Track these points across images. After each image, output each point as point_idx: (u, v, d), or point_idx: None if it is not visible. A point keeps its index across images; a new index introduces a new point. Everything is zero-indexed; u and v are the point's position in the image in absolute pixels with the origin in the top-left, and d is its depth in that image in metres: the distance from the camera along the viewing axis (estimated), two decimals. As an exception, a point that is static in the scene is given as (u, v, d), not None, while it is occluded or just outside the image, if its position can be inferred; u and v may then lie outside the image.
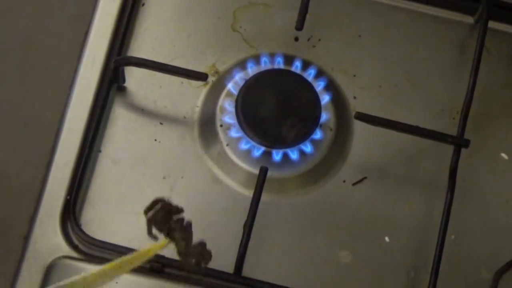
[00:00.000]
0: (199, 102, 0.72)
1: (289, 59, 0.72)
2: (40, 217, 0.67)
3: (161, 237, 0.56)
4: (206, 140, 0.70)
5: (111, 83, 0.71)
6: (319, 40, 0.74)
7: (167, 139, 0.71)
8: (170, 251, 0.66)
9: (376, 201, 0.70)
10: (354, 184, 0.70)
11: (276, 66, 0.71)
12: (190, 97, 0.72)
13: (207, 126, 0.71)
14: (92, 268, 0.53)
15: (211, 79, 0.72)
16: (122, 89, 0.72)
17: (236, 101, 0.69)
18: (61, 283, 0.52)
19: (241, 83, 0.70)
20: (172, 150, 0.70)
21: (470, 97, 0.70)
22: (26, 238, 0.67)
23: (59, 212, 0.67)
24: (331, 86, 0.71)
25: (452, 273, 0.68)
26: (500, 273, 0.67)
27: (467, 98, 0.70)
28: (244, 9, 0.75)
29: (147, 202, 0.69)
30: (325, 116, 0.70)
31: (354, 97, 0.72)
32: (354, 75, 0.73)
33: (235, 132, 0.69)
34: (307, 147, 0.69)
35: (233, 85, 0.71)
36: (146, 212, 0.56)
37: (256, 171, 0.68)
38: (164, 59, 0.71)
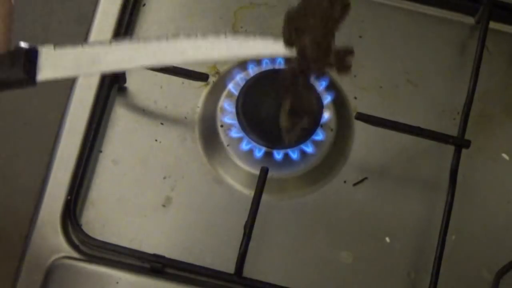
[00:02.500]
0: (200, 102, 0.72)
1: (290, 60, 0.72)
2: (41, 217, 0.67)
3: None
4: (207, 141, 0.70)
5: (112, 83, 0.71)
6: (320, 40, 0.74)
7: (168, 140, 0.71)
8: (170, 251, 0.67)
9: (377, 201, 0.70)
10: (355, 184, 0.70)
11: (277, 67, 0.71)
12: (190, 98, 0.72)
13: (207, 127, 0.71)
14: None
15: (211, 79, 0.72)
16: (123, 90, 0.72)
17: (237, 101, 0.69)
18: None
19: (242, 84, 0.70)
20: (173, 151, 0.70)
21: (470, 98, 0.70)
22: (26, 238, 0.67)
23: (59, 212, 0.67)
24: (332, 87, 0.71)
25: (453, 273, 0.68)
26: (501, 274, 0.67)
27: (468, 98, 0.70)
28: (245, 9, 0.75)
29: (147, 202, 0.69)
30: (326, 117, 0.70)
31: (355, 98, 0.72)
32: (355, 76, 0.73)
33: (236, 133, 0.69)
34: (308, 148, 0.69)
35: (233, 86, 0.71)
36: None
37: (256, 171, 0.68)
38: (165, 60, 0.70)
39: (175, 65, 0.54)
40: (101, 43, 0.51)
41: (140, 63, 0.51)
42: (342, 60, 0.50)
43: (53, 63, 0.50)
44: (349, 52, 0.51)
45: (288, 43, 0.50)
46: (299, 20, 0.49)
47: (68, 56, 0.50)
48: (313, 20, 0.49)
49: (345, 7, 0.50)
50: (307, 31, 0.49)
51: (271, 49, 0.52)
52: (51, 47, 0.50)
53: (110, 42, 0.51)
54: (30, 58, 0.49)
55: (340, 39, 0.74)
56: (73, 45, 0.51)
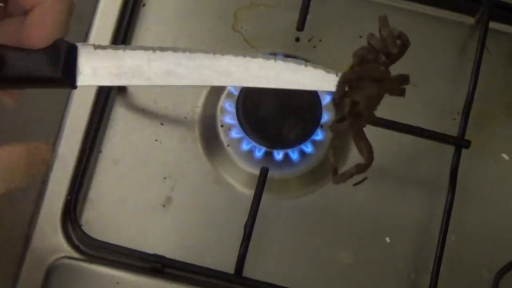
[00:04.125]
0: (200, 102, 0.72)
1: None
2: (41, 217, 0.67)
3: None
4: (207, 141, 0.70)
5: (112, 83, 0.71)
6: (320, 40, 0.74)
7: (168, 140, 0.71)
8: (170, 251, 0.67)
9: (377, 201, 0.70)
10: (354, 184, 0.70)
11: (277, 67, 0.71)
12: (190, 98, 0.72)
13: (208, 127, 0.71)
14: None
15: (212, 79, 0.72)
16: (123, 90, 0.72)
17: (237, 101, 0.69)
18: None
19: (242, 84, 0.70)
20: (173, 151, 0.70)
21: (471, 98, 0.70)
22: (27, 238, 0.67)
23: (59, 212, 0.67)
24: (332, 87, 0.71)
25: (453, 273, 0.68)
26: (501, 274, 0.67)
27: (468, 98, 0.70)
28: (245, 9, 0.75)
29: (147, 202, 0.69)
30: (326, 117, 0.70)
31: (355, 98, 0.72)
32: (355, 76, 0.73)
33: (236, 133, 0.69)
34: (308, 148, 0.69)
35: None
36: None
37: (256, 171, 0.68)
38: (165, 60, 0.70)
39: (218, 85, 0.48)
40: (144, 48, 0.45)
41: (180, 82, 0.46)
42: (397, 88, 0.51)
43: (93, 67, 0.44)
44: (403, 80, 0.51)
45: (340, 99, 0.49)
46: (353, 81, 0.50)
47: (108, 61, 0.44)
48: (368, 81, 0.50)
49: (404, 45, 0.50)
50: (360, 90, 0.50)
51: (321, 81, 0.50)
52: (91, 46, 0.44)
53: (154, 49, 0.46)
54: (70, 57, 0.43)
55: (340, 40, 0.75)
56: (114, 47, 0.45)
